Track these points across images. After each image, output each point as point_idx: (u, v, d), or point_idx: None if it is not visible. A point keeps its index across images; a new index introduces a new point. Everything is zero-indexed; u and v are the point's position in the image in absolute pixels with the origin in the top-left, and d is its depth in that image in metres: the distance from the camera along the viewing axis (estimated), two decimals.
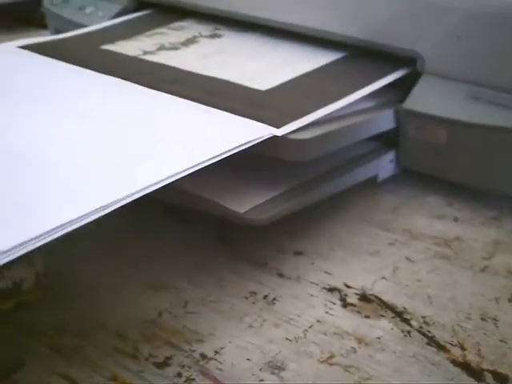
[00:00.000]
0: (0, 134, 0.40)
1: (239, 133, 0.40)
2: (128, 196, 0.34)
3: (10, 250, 0.30)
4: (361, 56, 0.53)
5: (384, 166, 0.50)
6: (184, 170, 0.36)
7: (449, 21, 0.49)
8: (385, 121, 0.48)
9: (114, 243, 0.44)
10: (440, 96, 0.48)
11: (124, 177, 0.36)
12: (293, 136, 0.41)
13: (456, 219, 0.47)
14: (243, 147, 0.38)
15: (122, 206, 0.33)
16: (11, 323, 0.35)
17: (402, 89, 0.50)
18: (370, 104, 0.49)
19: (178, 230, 0.46)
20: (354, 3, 0.52)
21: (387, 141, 0.50)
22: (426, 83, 0.49)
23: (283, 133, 0.41)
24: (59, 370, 0.35)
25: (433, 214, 0.48)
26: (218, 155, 0.37)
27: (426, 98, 0.49)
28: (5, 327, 0.34)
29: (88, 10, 0.65)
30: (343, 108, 0.46)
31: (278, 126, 0.41)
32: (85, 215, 0.32)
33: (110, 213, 0.33)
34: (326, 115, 0.44)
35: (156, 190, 0.35)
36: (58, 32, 0.65)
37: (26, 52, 0.53)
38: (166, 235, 0.45)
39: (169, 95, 0.45)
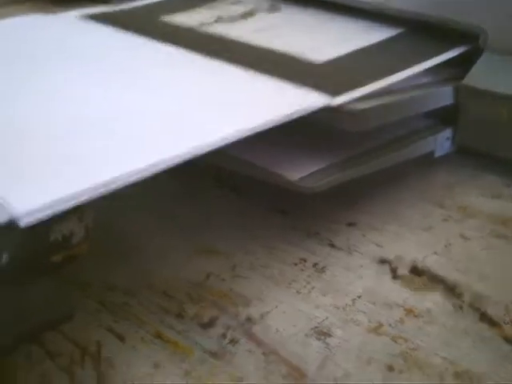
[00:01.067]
0: (65, 100, 0.41)
1: (294, 100, 0.39)
2: (180, 155, 0.34)
3: (61, 200, 0.30)
4: (420, 32, 0.52)
5: (440, 143, 0.49)
6: (237, 135, 0.36)
7: None
8: (443, 96, 0.47)
9: (166, 208, 0.44)
10: (502, 73, 0.47)
11: (178, 138, 0.36)
12: (349, 106, 0.41)
13: None
14: (297, 115, 0.38)
15: (175, 173, 0.33)
16: (61, 276, 0.35)
17: (462, 66, 0.49)
18: (429, 79, 0.48)
19: (230, 199, 0.45)
20: None
21: (445, 118, 0.49)
22: (488, 60, 0.48)
23: (338, 102, 0.40)
24: (106, 324, 0.35)
25: (489, 194, 0.46)
26: (271, 121, 0.37)
27: (487, 75, 0.47)
28: (55, 280, 0.34)
29: None
30: (401, 82, 0.45)
31: (333, 96, 0.40)
32: (135, 171, 0.32)
33: (162, 178, 0.33)
34: (382, 88, 0.43)
35: (210, 156, 0.35)
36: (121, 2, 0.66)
37: (87, 21, 0.54)
38: (218, 203, 0.45)
39: (225, 63, 0.45)
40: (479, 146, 0.49)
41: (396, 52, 0.49)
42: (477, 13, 0.49)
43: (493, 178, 0.48)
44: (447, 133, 0.49)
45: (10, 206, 0.29)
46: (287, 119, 0.37)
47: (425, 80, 0.47)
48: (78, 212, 0.33)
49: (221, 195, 0.46)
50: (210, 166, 0.44)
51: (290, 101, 0.39)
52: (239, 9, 0.58)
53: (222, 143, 0.35)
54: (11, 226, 0.29)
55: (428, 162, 0.49)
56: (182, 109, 0.39)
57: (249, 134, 0.36)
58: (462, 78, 0.48)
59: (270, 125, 0.37)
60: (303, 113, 0.38)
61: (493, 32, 0.48)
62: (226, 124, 0.37)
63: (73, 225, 0.34)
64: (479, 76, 0.47)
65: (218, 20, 0.55)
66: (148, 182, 0.32)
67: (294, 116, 0.38)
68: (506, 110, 0.46)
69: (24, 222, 0.29)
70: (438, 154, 0.49)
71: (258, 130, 0.36)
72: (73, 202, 0.30)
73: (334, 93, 0.40)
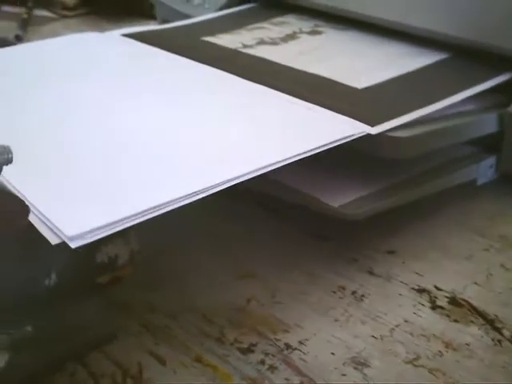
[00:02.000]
0: (113, 124, 0.41)
1: (333, 129, 0.40)
2: (224, 182, 0.34)
3: (110, 224, 0.31)
4: (465, 58, 0.51)
5: (483, 170, 0.49)
6: (277, 162, 0.36)
7: None
8: (487, 124, 0.47)
9: (209, 230, 0.45)
10: None
11: (221, 164, 0.37)
12: (391, 134, 0.41)
13: None
14: (335, 144, 0.38)
15: (220, 195, 0.34)
16: (107, 297, 0.36)
17: (506, 93, 0.49)
18: (473, 106, 0.48)
19: (273, 224, 0.46)
20: (461, 2, 0.51)
21: (488, 145, 0.49)
22: None
23: (377, 131, 0.40)
24: (147, 347, 0.36)
25: None
26: (309, 150, 0.37)
27: None
28: (100, 301, 0.35)
29: (195, 2, 0.66)
30: (444, 109, 0.45)
31: (372, 125, 0.40)
32: (179, 198, 0.33)
33: (207, 201, 0.33)
34: (426, 115, 0.43)
35: (254, 181, 0.35)
36: (165, 22, 0.67)
37: (130, 40, 0.55)
38: (261, 228, 0.46)
39: (266, 88, 0.45)
40: None
41: (439, 79, 0.49)
42: None
43: None
44: (490, 160, 0.49)
45: (61, 229, 0.30)
46: (325, 148, 0.38)
47: (469, 107, 0.47)
48: (123, 235, 0.34)
49: (264, 220, 0.46)
50: (255, 191, 0.44)
51: (328, 130, 0.40)
52: (281, 31, 0.58)
53: (263, 171, 0.35)
54: (61, 247, 0.30)
55: (471, 189, 0.48)
56: (224, 135, 0.40)
57: (288, 162, 0.36)
58: (507, 105, 0.47)
59: (308, 154, 0.37)
60: (340, 142, 0.38)
61: None
62: (265, 152, 0.37)
63: (119, 247, 0.34)
64: None
65: (260, 42, 0.56)
66: (192, 206, 0.33)
67: (332, 145, 0.38)
68: None
69: (74, 245, 0.30)
70: (480, 181, 0.49)
71: (297, 158, 0.37)
72: (120, 227, 0.31)
73: (373, 122, 0.40)
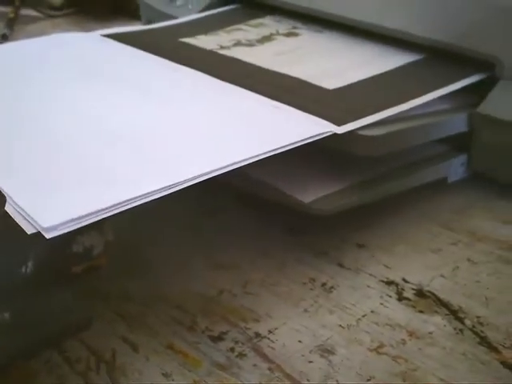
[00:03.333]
0: (88, 118, 0.43)
1: (300, 128, 0.41)
2: (199, 176, 0.35)
3: (85, 215, 0.32)
4: (437, 59, 0.53)
5: (454, 168, 0.50)
6: (239, 162, 0.37)
7: None
8: (457, 124, 0.49)
9: (186, 223, 0.46)
10: None
11: (196, 158, 0.38)
12: (363, 132, 0.42)
13: None
14: (301, 143, 0.39)
15: (198, 190, 0.35)
16: (81, 287, 0.37)
17: (476, 93, 0.50)
18: (443, 106, 0.49)
19: (248, 218, 0.47)
20: (435, 5, 0.53)
21: (459, 144, 0.50)
22: (503, 89, 0.49)
23: (343, 131, 0.41)
24: (121, 334, 0.37)
25: (500, 219, 0.47)
26: (274, 149, 0.38)
27: (502, 104, 0.48)
28: (76, 290, 0.36)
29: (178, 3, 0.68)
30: (416, 108, 0.46)
31: (338, 124, 0.41)
32: (153, 191, 0.34)
33: (184, 195, 0.35)
34: (398, 114, 0.45)
35: (226, 176, 0.36)
36: (149, 23, 0.68)
37: (108, 40, 0.56)
38: (236, 219, 0.47)
39: (240, 88, 0.47)
40: (492, 173, 0.50)
41: (411, 79, 0.50)
42: (493, 42, 0.50)
43: (505, 204, 0.49)
44: (461, 159, 0.50)
45: (37, 219, 0.32)
46: (292, 146, 0.39)
47: (440, 107, 0.49)
48: (99, 226, 0.35)
49: (239, 212, 0.48)
50: (231, 186, 0.46)
51: (295, 129, 0.41)
52: (258, 33, 0.60)
53: (232, 167, 0.36)
54: (37, 237, 0.31)
55: (441, 186, 0.50)
56: (193, 132, 0.41)
57: (255, 160, 0.37)
58: (477, 105, 0.49)
59: (275, 152, 0.38)
60: (307, 141, 0.39)
61: (508, 62, 0.49)
62: (230, 150, 0.38)
63: (94, 238, 0.36)
64: (493, 104, 0.48)
65: (237, 43, 0.57)
66: (170, 198, 0.34)
67: (298, 144, 0.39)
68: None
69: (49, 235, 0.31)
70: (451, 179, 0.50)
71: (264, 156, 0.38)
72: (96, 218, 0.32)
73: (339, 121, 0.41)
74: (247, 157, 0.37)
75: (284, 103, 0.44)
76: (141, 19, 0.76)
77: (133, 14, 0.81)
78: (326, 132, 0.40)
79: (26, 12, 0.86)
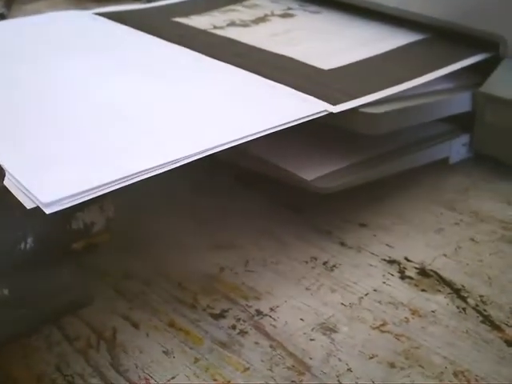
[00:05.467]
0: (86, 95, 0.42)
1: (295, 107, 0.40)
2: (197, 153, 0.35)
3: (85, 191, 0.32)
4: (440, 38, 0.52)
5: (456, 148, 0.50)
6: (239, 138, 0.36)
7: None
8: (460, 103, 0.48)
9: (187, 202, 0.46)
10: None
11: (193, 136, 0.37)
12: (366, 109, 0.42)
13: None
14: (296, 122, 0.39)
15: (198, 169, 0.34)
16: (82, 264, 0.37)
17: (481, 73, 0.50)
18: (447, 86, 0.49)
19: (249, 196, 0.47)
20: None
21: (462, 124, 0.50)
22: (507, 68, 0.49)
23: (338, 110, 0.40)
24: (122, 312, 0.37)
25: (503, 199, 0.47)
26: (271, 127, 0.38)
27: (505, 83, 0.48)
28: (76, 267, 0.36)
29: None
30: (418, 87, 0.46)
31: (334, 104, 0.41)
32: (154, 167, 0.34)
33: (184, 173, 0.34)
34: (399, 93, 0.44)
35: (228, 154, 0.36)
36: (150, 1, 0.68)
37: (101, 18, 0.56)
38: (237, 200, 0.47)
39: (234, 67, 0.46)
40: (495, 153, 0.50)
41: (412, 59, 0.50)
42: (497, 21, 0.50)
43: (508, 185, 0.49)
44: (464, 139, 0.50)
45: (36, 194, 0.31)
46: (286, 126, 0.38)
47: (443, 86, 0.48)
48: (99, 202, 0.35)
49: (239, 192, 0.47)
50: (232, 165, 0.45)
51: (290, 108, 0.40)
52: (253, 13, 0.59)
53: (223, 147, 0.36)
54: (37, 212, 0.31)
55: (444, 166, 0.49)
56: (194, 109, 0.40)
57: (246, 140, 0.37)
58: (480, 85, 0.48)
59: (269, 131, 0.37)
60: (303, 120, 0.39)
61: None
62: (229, 128, 0.38)
63: (94, 214, 0.35)
64: (496, 83, 0.48)
65: (231, 24, 0.56)
66: (172, 176, 0.34)
67: (294, 123, 0.38)
68: None
69: (49, 211, 0.31)
70: (453, 159, 0.50)
71: (257, 136, 0.37)
72: (95, 194, 0.32)
73: (335, 101, 0.41)
74: (242, 135, 0.36)
75: (279, 82, 0.43)
76: None
77: None
78: (321, 111, 0.40)
79: None
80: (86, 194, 0.32)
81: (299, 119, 0.38)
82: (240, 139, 0.36)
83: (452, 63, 0.48)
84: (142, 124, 0.38)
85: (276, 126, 0.37)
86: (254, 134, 0.37)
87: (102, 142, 0.36)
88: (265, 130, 0.37)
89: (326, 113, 0.40)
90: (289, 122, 0.38)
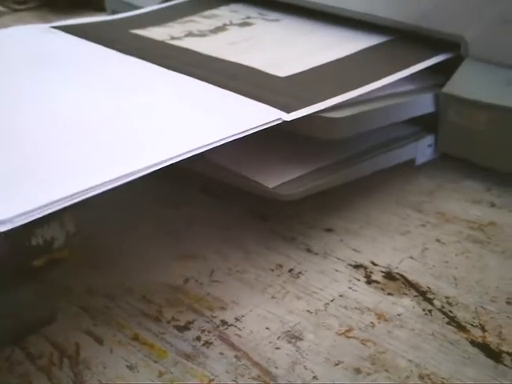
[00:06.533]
0: (39, 109, 0.42)
1: (250, 116, 0.40)
2: (154, 164, 0.35)
3: (41, 207, 0.31)
4: (402, 40, 0.52)
5: (422, 150, 0.50)
6: (191, 151, 0.36)
7: (496, 5, 0.49)
8: (423, 104, 0.48)
9: (150, 212, 0.46)
10: (481, 81, 0.48)
11: (150, 147, 0.37)
12: (325, 114, 0.42)
13: (493, 204, 0.47)
14: (251, 131, 0.38)
15: (162, 181, 0.34)
16: (44, 281, 0.36)
17: (444, 74, 0.50)
18: (410, 87, 0.49)
19: (213, 206, 0.47)
20: None
21: (426, 125, 0.50)
22: (468, 68, 0.49)
23: (292, 118, 0.40)
24: (85, 328, 0.36)
25: (469, 199, 0.47)
26: (223, 138, 0.37)
27: (467, 83, 0.48)
28: (38, 284, 0.36)
29: None
30: (380, 90, 0.46)
31: (288, 111, 0.40)
32: (112, 180, 0.33)
33: (148, 184, 0.34)
34: (361, 96, 0.44)
35: (189, 164, 0.36)
36: (114, 13, 0.67)
37: (59, 32, 0.55)
38: (201, 210, 0.46)
39: (189, 77, 0.45)
40: (460, 154, 0.50)
41: (373, 62, 0.50)
42: (457, 22, 0.50)
43: (473, 184, 0.49)
44: (429, 140, 0.50)
45: None
46: (241, 135, 0.38)
47: (406, 88, 0.48)
48: (59, 218, 0.34)
49: (204, 203, 0.47)
50: (197, 175, 0.45)
51: (246, 117, 0.40)
52: (211, 23, 0.59)
53: (176, 159, 0.35)
54: None
55: (410, 168, 0.49)
56: (150, 121, 0.40)
57: (203, 150, 0.36)
58: (443, 85, 0.49)
59: (224, 141, 0.37)
60: (257, 129, 0.39)
61: (472, 41, 0.49)
62: (184, 138, 0.37)
63: (54, 230, 0.35)
64: (459, 84, 0.48)
65: (189, 34, 0.56)
66: (136, 188, 0.34)
67: (248, 132, 0.38)
68: (485, 117, 0.47)
69: (4, 228, 0.30)
70: (419, 161, 0.50)
71: (211, 146, 0.37)
72: (52, 209, 0.32)
73: (289, 109, 0.41)
74: (196, 146, 0.36)
75: (233, 91, 0.43)
76: (106, 10, 0.75)
77: (98, 7, 0.80)
78: (275, 120, 0.40)
79: None
80: (42, 209, 0.31)
81: (253, 128, 0.38)
82: (194, 150, 0.36)
83: (414, 64, 0.49)
84: (100, 137, 0.38)
85: (230, 136, 0.37)
86: (207, 144, 0.36)
87: (57, 157, 0.36)
88: (218, 140, 0.37)
89: (280, 121, 0.40)
90: (243, 132, 0.38)
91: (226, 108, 0.42)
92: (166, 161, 0.35)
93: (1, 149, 0.37)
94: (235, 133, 0.37)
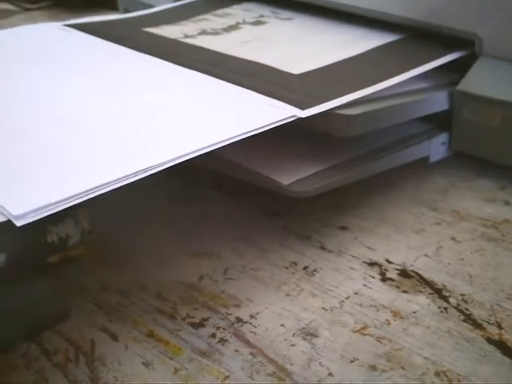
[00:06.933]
0: (59, 106, 0.42)
1: (265, 113, 0.40)
2: (169, 161, 0.35)
3: (56, 202, 0.31)
4: (416, 38, 0.52)
5: (436, 147, 0.49)
6: (205, 148, 0.36)
7: (511, 1, 0.48)
8: (438, 102, 0.48)
9: (163, 210, 0.46)
10: (496, 78, 0.48)
11: (165, 144, 0.37)
12: (340, 111, 0.42)
13: (507, 203, 0.47)
14: (265, 128, 0.38)
15: (174, 178, 0.34)
16: (60, 278, 0.36)
17: (458, 72, 0.49)
18: (424, 85, 0.49)
19: (227, 203, 0.47)
20: None
21: (441, 123, 0.50)
22: (483, 65, 0.49)
23: (307, 115, 0.40)
24: (100, 324, 0.36)
25: (483, 197, 0.47)
26: (237, 135, 0.37)
27: (481, 80, 0.48)
28: (52, 281, 0.36)
29: None
30: (394, 87, 0.45)
31: (302, 108, 0.40)
32: (125, 176, 0.33)
33: (160, 181, 0.34)
34: (375, 93, 0.44)
35: (202, 161, 0.36)
36: (127, 12, 0.67)
37: (72, 30, 0.55)
38: (215, 207, 0.46)
39: (203, 74, 0.45)
40: (474, 151, 0.49)
41: (387, 59, 0.50)
42: (472, 20, 0.50)
43: (488, 182, 0.49)
44: (443, 137, 0.50)
45: (6, 207, 0.31)
46: (255, 132, 0.38)
47: (421, 86, 0.48)
48: (74, 215, 0.34)
49: (218, 200, 0.47)
50: (209, 172, 0.45)
51: (259, 114, 0.40)
52: (224, 22, 0.59)
53: (191, 154, 0.35)
54: (8, 226, 0.31)
55: (424, 166, 0.49)
56: (163, 117, 0.40)
57: (214, 147, 0.36)
58: (458, 83, 0.48)
59: (237, 138, 0.37)
60: (272, 126, 0.39)
61: (487, 38, 0.49)
62: (199, 135, 0.37)
63: (69, 227, 0.35)
64: (473, 81, 0.48)
65: (202, 33, 0.56)
66: (149, 186, 0.34)
67: (263, 129, 0.38)
68: (500, 115, 0.47)
69: (20, 223, 0.30)
70: (433, 158, 0.50)
71: (225, 143, 0.37)
72: (67, 205, 0.32)
73: (304, 106, 0.41)
74: (210, 143, 0.36)
75: (248, 89, 0.43)
76: (118, 9, 0.75)
77: (111, 5, 0.80)
78: (290, 117, 0.39)
79: (3, 6, 0.85)
80: (57, 205, 0.31)
81: (268, 125, 0.38)
82: (207, 147, 0.36)
83: (428, 62, 0.48)
84: (113, 134, 0.38)
85: (244, 133, 0.37)
86: (221, 141, 0.36)
87: (71, 154, 0.36)
88: (232, 138, 0.37)
89: (294, 118, 0.39)
90: (257, 129, 0.38)
91: (241, 105, 0.41)
92: (182, 156, 0.35)
93: (15, 144, 0.37)
94: (249, 130, 0.37)
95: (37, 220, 0.31)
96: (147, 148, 0.36)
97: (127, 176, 0.33)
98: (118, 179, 0.33)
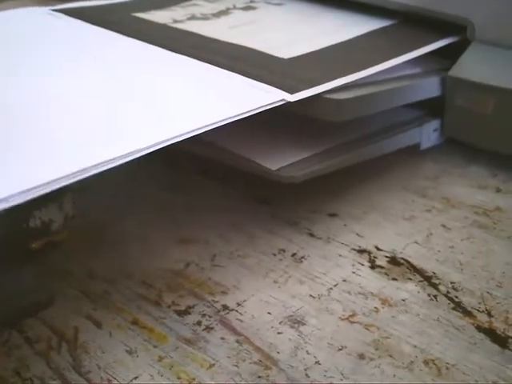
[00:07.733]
0: (41, 90, 0.41)
1: (253, 97, 0.39)
2: (156, 144, 0.34)
3: (37, 186, 0.31)
4: (407, 24, 0.52)
5: (427, 134, 0.49)
6: (195, 129, 0.35)
7: None
8: (429, 88, 0.47)
9: (150, 197, 0.45)
10: (488, 64, 0.47)
11: (151, 127, 0.36)
12: (330, 96, 0.41)
13: (499, 190, 0.46)
14: (253, 112, 0.38)
15: (160, 165, 0.33)
16: (43, 264, 0.35)
17: (450, 57, 0.49)
18: (416, 70, 0.48)
19: (214, 189, 0.46)
20: None
21: (432, 109, 0.49)
22: (475, 51, 0.48)
23: (296, 99, 0.39)
24: (84, 311, 0.36)
25: (475, 184, 0.47)
26: (225, 119, 0.36)
27: (473, 66, 0.47)
28: (36, 267, 0.35)
29: None
30: (386, 72, 0.45)
31: (291, 92, 0.40)
32: (109, 160, 0.32)
33: (146, 168, 0.33)
34: (366, 78, 0.43)
35: (189, 146, 0.35)
36: None
37: (58, 14, 0.54)
38: (202, 193, 0.46)
39: (191, 59, 0.45)
40: (466, 138, 0.49)
41: (379, 44, 0.49)
42: (464, 4, 0.49)
43: (479, 169, 0.48)
44: (434, 124, 0.49)
45: None
46: (243, 116, 0.37)
47: (412, 71, 0.48)
48: (57, 200, 0.34)
49: (205, 185, 0.46)
50: (196, 158, 0.44)
51: (247, 98, 0.39)
52: (214, 7, 0.58)
53: (179, 137, 0.35)
54: None
55: (415, 152, 0.49)
56: (150, 102, 0.39)
57: (205, 130, 0.36)
58: (449, 69, 0.48)
59: (225, 121, 0.36)
60: (260, 110, 0.38)
61: (479, 23, 0.48)
62: (186, 118, 0.37)
63: (52, 212, 0.34)
64: (465, 67, 0.47)
65: (191, 18, 0.55)
66: (134, 171, 0.33)
67: (251, 113, 0.37)
68: (492, 101, 0.46)
69: (2, 206, 0.29)
70: (424, 145, 0.49)
71: (212, 127, 0.36)
72: (50, 188, 0.31)
73: (293, 90, 0.40)
74: (197, 126, 0.35)
75: (236, 72, 0.42)
76: None
77: None
78: (279, 101, 0.39)
79: None
80: (39, 188, 0.31)
81: (256, 109, 0.37)
82: (195, 130, 0.35)
83: (420, 47, 0.48)
84: (98, 116, 0.37)
85: (232, 117, 0.36)
86: (209, 125, 0.36)
87: (55, 135, 0.35)
88: (220, 121, 0.36)
89: (283, 102, 0.39)
90: (245, 113, 0.37)
91: (229, 89, 0.41)
92: (169, 139, 0.34)
93: (0, 126, 0.36)
94: (238, 113, 0.37)
95: (20, 204, 0.30)
96: (134, 131, 0.36)
97: (113, 159, 0.33)
98: (104, 162, 0.32)
